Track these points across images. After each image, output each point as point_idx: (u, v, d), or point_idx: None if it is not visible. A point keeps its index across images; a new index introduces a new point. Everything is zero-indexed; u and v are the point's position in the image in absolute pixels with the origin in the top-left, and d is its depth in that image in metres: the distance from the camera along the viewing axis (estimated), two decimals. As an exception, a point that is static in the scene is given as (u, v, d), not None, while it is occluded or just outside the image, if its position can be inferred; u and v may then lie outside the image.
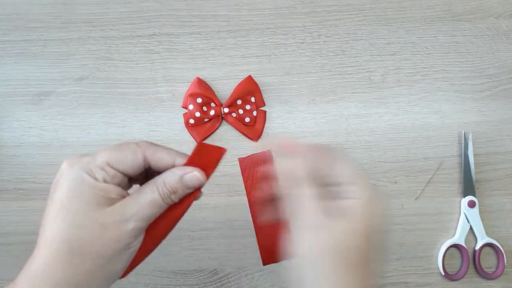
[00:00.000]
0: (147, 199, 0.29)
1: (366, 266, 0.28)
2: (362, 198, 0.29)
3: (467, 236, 0.52)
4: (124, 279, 0.30)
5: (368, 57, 0.56)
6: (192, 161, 0.31)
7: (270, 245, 0.47)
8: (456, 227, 0.52)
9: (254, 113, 0.55)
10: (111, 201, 0.28)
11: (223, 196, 0.54)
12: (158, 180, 0.30)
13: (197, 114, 0.54)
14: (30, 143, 0.55)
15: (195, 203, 0.33)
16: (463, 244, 0.52)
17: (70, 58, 0.57)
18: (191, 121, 0.54)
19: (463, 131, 0.54)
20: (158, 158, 0.30)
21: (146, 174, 0.32)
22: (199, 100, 0.54)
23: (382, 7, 0.57)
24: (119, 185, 0.29)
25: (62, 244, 0.27)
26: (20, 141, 0.55)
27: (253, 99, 0.55)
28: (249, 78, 0.55)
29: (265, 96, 0.56)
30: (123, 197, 0.29)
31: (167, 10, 0.57)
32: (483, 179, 0.54)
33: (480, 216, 0.53)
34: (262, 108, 0.56)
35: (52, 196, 0.29)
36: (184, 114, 0.55)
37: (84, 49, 0.57)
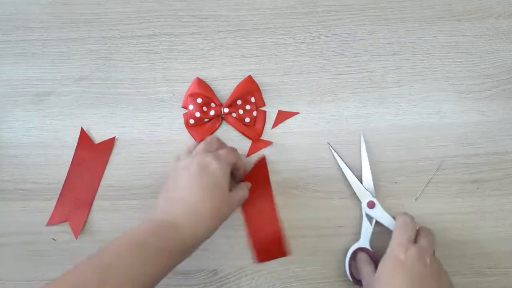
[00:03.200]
0: (240, 195, 0.48)
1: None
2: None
3: (371, 239, 0.51)
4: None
5: (368, 57, 0.56)
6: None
7: (263, 244, 0.52)
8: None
9: (254, 113, 0.55)
10: (228, 189, 0.45)
11: (223, 196, 0.54)
12: (243, 187, 0.50)
13: (197, 114, 0.54)
14: (30, 143, 0.55)
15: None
16: (369, 247, 0.51)
17: (70, 58, 0.57)
18: (191, 121, 0.54)
19: (361, 132, 0.54)
20: (240, 164, 0.50)
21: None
22: (199, 100, 0.54)
23: (382, 7, 0.57)
24: None
25: (214, 209, 0.43)
26: (20, 141, 0.55)
27: (253, 99, 0.55)
28: (249, 78, 0.55)
29: (265, 96, 0.56)
30: (230, 188, 0.46)
31: (167, 10, 0.57)
32: (483, 179, 0.54)
33: (480, 216, 0.53)
34: (262, 108, 0.56)
35: (202, 175, 0.43)
36: (184, 114, 0.55)
37: (84, 49, 0.57)
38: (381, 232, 0.52)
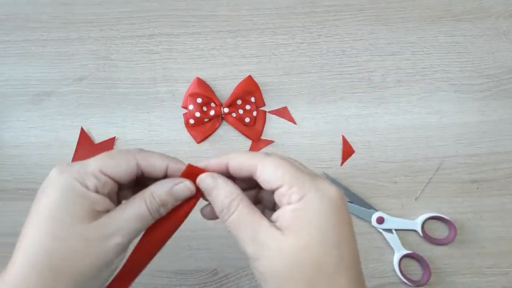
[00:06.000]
0: (133, 213, 0.27)
1: (330, 280, 0.25)
2: (303, 198, 0.26)
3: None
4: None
5: (368, 57, 0.56)
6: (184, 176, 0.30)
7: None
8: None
9: (254, 113, 0.55)
10: (97, 214, 0.27)
11: (223, 196, 0.54)
12: (146, 192, 0.28)
13: (197, 114, 0.54)
14: (30, 143, 0.55)
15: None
16: (410, 251, 0.51)
17: (70, 58, 0.57)
18: (191, 121, 0.54)
19: None
20: (150, 163, 0.29)
21: (137, 183, 0.31)
22: (199, 100, 0.54)
23: (382, 7, 0.57)
24: (108, 194, 0.28)
25: (42, 256, 0.25)
26: (20, 141, 0.55)
27: (253, 99, 0.55)
28: (249, 78, 0.55)
29: (265, 96, 0.56)
30: (109, 210, 0.27)
31: (167, 10, 0.57)
32: (483, 179, 0.54)
33: (480, 216, 0.53)
34: (262, 108, 0.56)
35: (37, 203, 0.27)
36: (184, 114, 0.55)
37: (84, 49, 0.57)
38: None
